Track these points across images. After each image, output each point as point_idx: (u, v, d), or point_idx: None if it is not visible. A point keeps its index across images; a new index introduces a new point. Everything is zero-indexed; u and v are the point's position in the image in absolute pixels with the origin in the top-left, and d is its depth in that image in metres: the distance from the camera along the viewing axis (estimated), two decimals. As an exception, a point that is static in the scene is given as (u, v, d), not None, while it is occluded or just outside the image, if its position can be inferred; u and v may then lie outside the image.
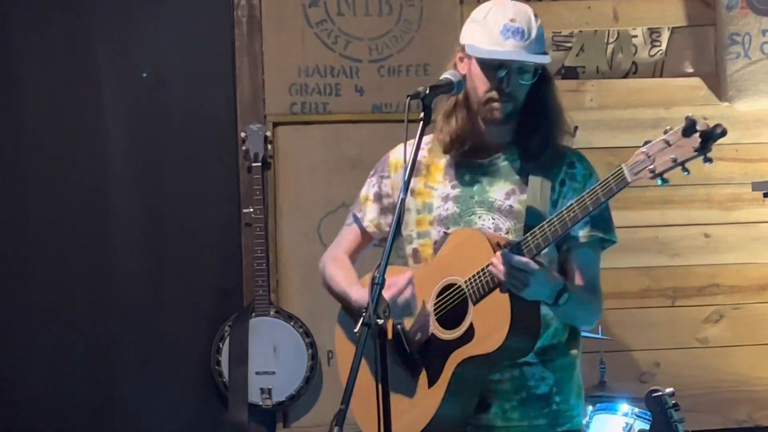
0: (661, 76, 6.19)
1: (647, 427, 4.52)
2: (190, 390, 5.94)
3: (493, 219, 3.34)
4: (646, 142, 2.96)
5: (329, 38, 6.00)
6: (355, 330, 3.00)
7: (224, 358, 5.77)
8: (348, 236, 3.63)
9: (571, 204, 3.11)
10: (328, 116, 5.99)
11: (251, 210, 5.78)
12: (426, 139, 3.42)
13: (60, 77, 5.92)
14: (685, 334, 6.08)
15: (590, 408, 5.03)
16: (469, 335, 3.22)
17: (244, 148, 5.84)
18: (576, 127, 5.96)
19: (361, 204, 3.59)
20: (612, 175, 3.01)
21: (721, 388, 6.06)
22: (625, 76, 6.19)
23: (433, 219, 3.41)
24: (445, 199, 3.41)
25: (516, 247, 3.17)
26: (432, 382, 3.28)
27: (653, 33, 6.19)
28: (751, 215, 6.06)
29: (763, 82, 5.84)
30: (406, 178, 3.10)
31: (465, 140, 3.40)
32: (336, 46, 6.00)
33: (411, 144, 3.16)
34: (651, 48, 6.19)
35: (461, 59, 3.40)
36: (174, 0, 5.99)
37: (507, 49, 3.30)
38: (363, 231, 3.58)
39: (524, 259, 3.08)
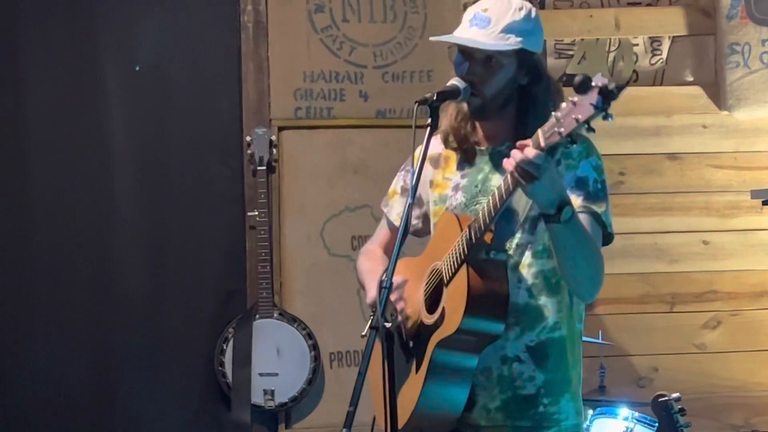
0: (661, 85, 6.19)
1: (647, 431, 4.52)
2: (193, 391, 5.93)
3: None
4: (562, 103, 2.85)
5: (334, 44, 6.00)
6: (363, 333, 3.00)
7: (228, 360, 5.77)
8: (380, 231, 3.63)
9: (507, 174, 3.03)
10: (333, 121, 5.99)
11: (256, 213, 5.78)
12: (440, 130, 3.39)
13: (66, 81, 5.91)
14: (683, 340, 6.08)
15: (590, 412, 5.03)
16: (442, 318, 3.17)
17: (249, 151, 5.83)
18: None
19: (389, 198, 3.58)
20: (531, 139, 2.92)
21: (719, 393, 6.06)
22: (626, 84, 6.18)
23: (446, 209, 3.39)
24: (456, 188, 3.38)
25: (474, 222, 3.11)
26: (418, 366, 3.24)
27: (654, 42, 6.19)
28: (749, 223, 6.06)
29: (762, 91, 5.84)
30: (413, 184, 3.10)
31: (460, 137, 3.36)
32: (341, 51, 6.00)
33: (419, 149, 3.15)
34: (652, 57, 6.19)
35: None
36: (181, 5, 5.98)
37: (466, 36, 3.26)
38: (391, 224, 3.56)
39: (531, 153, 2.91)
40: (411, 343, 3.30)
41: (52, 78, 5.90)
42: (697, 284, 6.09)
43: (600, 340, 5.31)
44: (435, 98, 3.18)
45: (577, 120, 2.78)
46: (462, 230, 3.14)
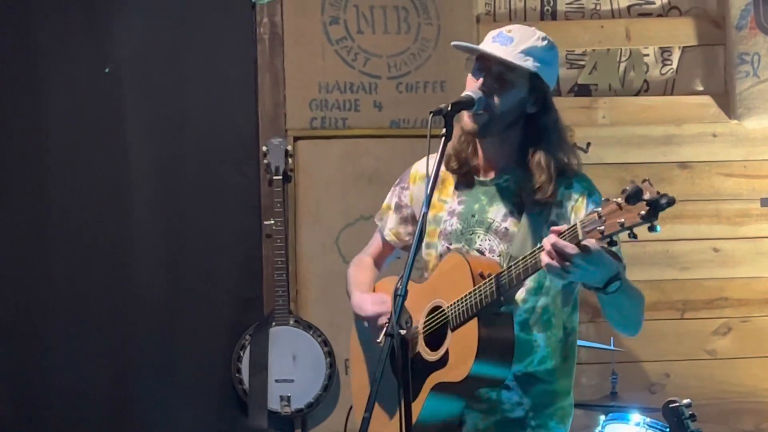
0: (671, 94, 6.19)
1: (658, 436, 4.52)
2: (211, 397, 5.94)
3: (489, 240, 3.33)
4: (605, 200, 2.86)
5: (349, 55, 6.01)
6: (378, 340, 3.01)
7: (245, 366, 5.78)
8: (373, 243, 3.68)
9: (535, 249, 3.05)
10: (347, 131, 6.01)
11: (272, 222, 5.79)
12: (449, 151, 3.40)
13: (85, 92, 5.93)
14: (694, 346, 6.07)
15: (602, 417, 5.03)
16: (444, 360, 3.23)
17: (265, 161, 5.85)
18: (589, 144, 6.01)
19: (383, 213, 3.62)
20: (567, 230, 2.93)
21: (729, 399, 6.05)
22: (637, 93, 6.19)
23: (440, 232, 3.41)
24: (452, 214, 3.41)
25: (495, 280, 3.14)
26: (413, 397, 3.25)
27: (664, 52, 6.20)
28: (759, 230, 6.05)
29: (772, 100, 5.85)
30: (428, 192, 3.11)
31: (462, 159, 3.38)
32: (355, 63, 6.01)
33: (433, 157, 3.17)
34: (662, 66, 6.19)
35: None
36: (198, 18, 5.99)
37: (486, 48, 3.29)
38: (383, 239, 3.61)
39: (562, 244, 2.91)
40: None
41: (70, 90, 5.92)
42: (707, 291, 6.09)
43: (612, 347, 5.31)
44: (450, 108, 3.20)
45: (621, 225, 2.80)
46: (474, 282, 3.17)
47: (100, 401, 5.90)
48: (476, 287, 3.17)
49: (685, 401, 3.84)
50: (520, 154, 3.32)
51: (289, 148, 5.88)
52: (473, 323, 3.16)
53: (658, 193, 2.76)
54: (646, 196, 2.75)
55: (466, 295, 3.18)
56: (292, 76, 5.97)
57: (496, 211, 3.33)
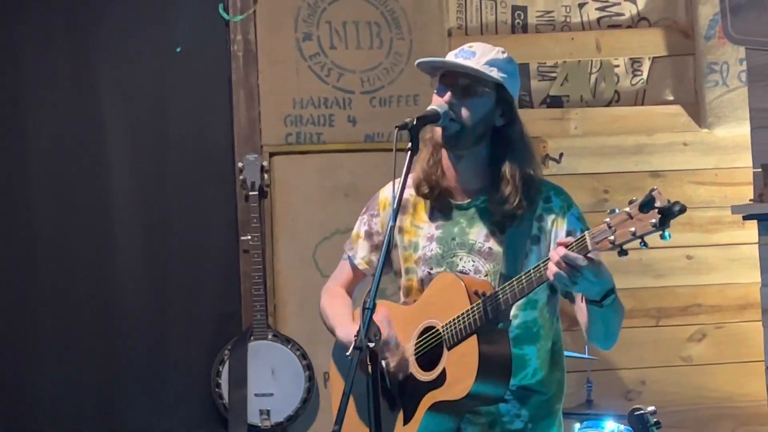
0: (642, 104, 6.19)
1: (633, 443, 4.49)
2: (191, 411, 5.92)
3: (473, 261, 3.30)
4: (611, 212, 2.87)
5: (322, 71, 5.99)
6: (347, 354, 2.98)
7: (224, 381, 5.75)
8: (342, 272, 3.62)
9: (539, 264, 3.06)
10: (323, 146, 5.99)
11: (249, 237, 5.77)
12: (413, 176, 3.38)
13: (66, 109, 5.92)
14: (670, 353, 6.06)
15: (577, 425, 5.01)
16: (441, 379, 3.19)
17: (241, 177, 5.83)
18: (561, 154, 6.00)
19: (353, 242, 3.57)
20: (576, 241, 2.93)
21: (705, 404, 6.04)
22: (608, 104, 6.18)
23: (418, 258, 3.38)
24: (430, 239, 3.37)
25: (491, 298, 3.13)
26: (407, 419, 3.26)
27: (635, 63, 6.19)
28: (731, 237, 6.04)
29: (741, 108, 5.83)
30: (394, 205, 3.08)
31: (432, 182, 3.35)
32: (329, 78, 6.00)
33: (399, 177, 3.15)
34: (633, 77, 6.19)
35: None
36: (173, 36, 5.98)
37: (451, 61, 3.29)
38: (355, 268, 3.56)
39: (573, 256, 2.91)
40: (395, 390, 3.30)
41: (53, 108, 5.92)
42: (682, 298, 6.08)
43: (587, 355, 5.28)
44: (415, 122, 3.18)
45: (633, 234, 2.81)
46: (471, 301, 3.15)
47: (84, 415, 5.88)
48: (474, 305, 3.14)
49: (650, 408, 3.81)
50: (492, 171, 3.30)
51: (265, 163, 5.86)
52: (472, 341, 3.14)
53: (669, 201, 2.77)
54: (658, 204, 2.77)
55: (463, 314, 3.16)
56: (266, 92, 5.96)
57: (477, 232, 3.31)
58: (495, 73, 3.25)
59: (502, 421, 3.30)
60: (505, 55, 3.32)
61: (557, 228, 3.26)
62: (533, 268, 3.06)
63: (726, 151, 6.07)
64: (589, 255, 2.90)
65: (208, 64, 6.01)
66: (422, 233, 3.39)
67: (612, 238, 2.84)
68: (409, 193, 3.40)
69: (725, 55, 6.04)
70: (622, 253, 2.86)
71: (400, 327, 3.29)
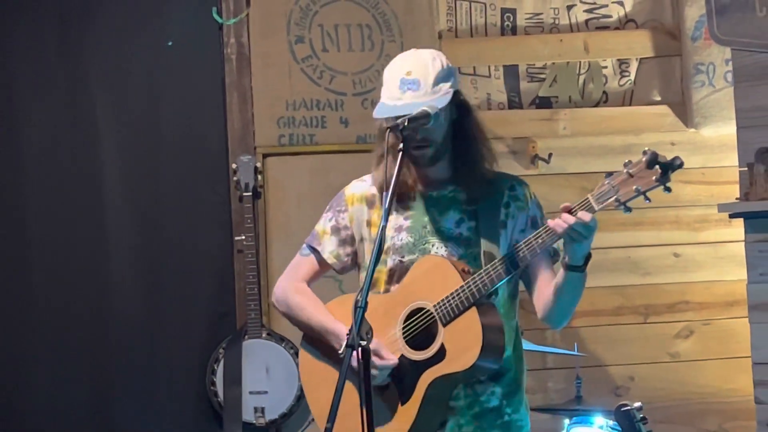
0: (630, 105, 6.20)
1: (622, 438, 4.50)
2: (186, 409, 5.92)
3: (446, 247, 3.38)
4: (608, 174, 3.04)
5: (315, 73, 6.00)
6: (340, 352, 3.00)
7: (219, 379, 5.76)
8: (305, 266, 3.62)
9: (539, 232, 3.18)
10: (315, 147, 6.00)
11: (243, 237, 5.78)
12: (376, 174, 3.48)
13: (59, 112, 5.92)
14: (657, 349, 6.07)
15: (567, 421, 5.01)
16: (440, 355, 3.25)
17: (235, 178, 5.84)
18: (551, 154, 6.01)
19: (318, 238, 3.60)
20: (579, 203, 3.07)
21: (693, 400, 6.05)
22: (596, 104, 6.19)
23: (388, 248, 3.41)
24: (399, 229, 3.43)
25: (486, 272, 3.23)
26: (405, 400, 3.30)
27: (622, 64, 6.20)
28: (718, 235, 6.05)
29: (727, 108, 5.83)
30: (386, 206, 3.11)
31: (404, 182, 3.40)
32: (321, 80, 6.00)
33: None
34: (620, 78, 6.20)
35: None
36: (167, 39, 5.98)
37: (406, 102, 3.31)
38: (322, 262, 3.58)
39: (587, 216, 3.07)
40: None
41: (45, 110, 5.91)
42: (669, 295, 6.09)
43: (576, 352, 5.29)
44: (407, 124, 3.22)
45: (638, 190, 2.98)
46: (462, 277, 3.24)
47: (79, 415, 5.87)
48: (470, 279, 3.23)
49: (636, 404, 3.82)
50: (456, 161, 3.42)
51: (259, 165, 5.87)
52: (472, 313, 3.22)
53: (665, 157, 2.96)
54: (661, 159, 2.96)
55: (458, 290, 3.23)
56: (259, 94, 5.96)
57: (449, 219, 3.40)
58: (444, 89, 3.33)
59: (480, 401, 3.37)
60: (438, 62, 3.36)
61: (522, 213, 3.39)
62: (533, 236, 3.19)
63: (713, 151, 6.08)
64: (595, 210, 3.05)
65: (201, 66, 6.01)
66: (390, 225, 3.38)
67: (617, 196, 3.00)
68: (372, 188, 3.52)
69: (711, 56, 6.05)
70: (627, 209, 3.01)
71: (379, 315, 3.32)
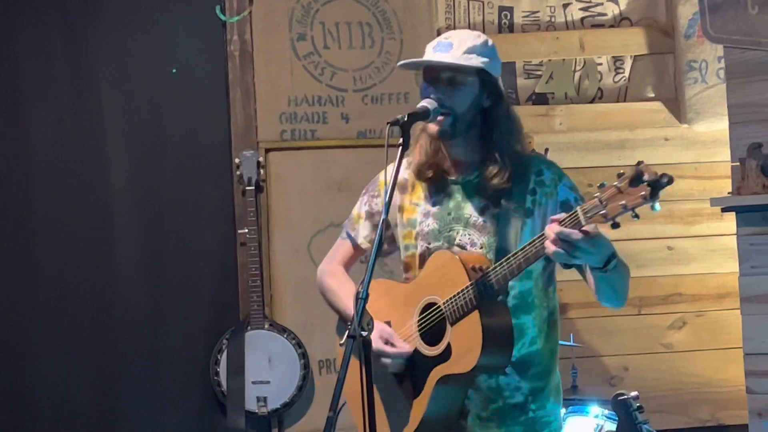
0: (624, 101, 6.22)
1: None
2: (190, 399, 5.93)
3: (469, 235, 3.31)
4: (600, 185, 2.89)
5: (316, 70, 6.02)
6: (341, 342, 3.01)
7: (222, 369, 5.77)
8: (342, 250, 3.63)
9: (534, 240, 3.07)
10: (316, 142, 6.01)
11: (246, 230, 5.79)
12: (414, 161, 3.41)
13: (66, 109, 5.92)
14: (651, 340, 6.09)
15: (563, 411, 5.03)
16: (447, 354, 3.21)
17: (238, 172, 5.85)
18: (547, 149, 6.01)
19: (354, 222, 3.59)
20: (568, 216, 2.95)
21: (686, 389, 6.07)
22: (592, 101, 6.21)
23: (417, 234, 3.40)
24: (426, 215, 3.39)
25: (489, 275, 3.14)
26: (416, 393, 3.28)
27: (617, 61, 6.22)
28: (710, 229, 6.07)
29: (720, 105, 5.84)
30: (386, 200, 3.10)
31: (433, 163, 3.37)
32: (322, 77, 6.02)
33: (392, 167, 3.16)
34: (615, 75, 6.21)
35: None
36: (172, 37, 6.00)
37: (429, 58, 3.30)
38: (357, 247, 3.58)
39: (568, 231, 2.92)
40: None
41: (51, 107, 5.92)
42: (663, 288, 6.11)
43: (572, 343, 5.32)
44: (406, 119, 3.19)
45: (624, 207, 2.81)
46: (470, 277, 3.17)
47: (85, 405, 5.88)
48: (474, 280, 3.16)
49: (633, 393, 3.83)
50: (483, 148, 3.33)
51: (261, 159, 5.88)
52: (475, 316, 3.15)
53: (656, 173, 2.79)
54: (647, 177, 2.79)
55: (463, 289, 3.17)
56: (262, 90, 5.98)
57: (472, 207, 3.33)
58: (474, 60, 3.27)
59: (503, 396, 3.31)
60: (482, 39, 3.33)
61: (550, 199, 3.27)
62: (529, 243, 3.07)
63: (705, 146, 6.10)
64: (583, 228, 2.90)
65: (205, 63, 6.02)
66: (419, 210, 3.41)
67: (604, 212, 2.85)
68: (407, 173, 3.42)
69: (704, 53, 6.06)
70: (615, 225, 2.86)
71: (400, 304, 3.32)
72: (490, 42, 3.35)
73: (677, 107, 6.13)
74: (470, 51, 3.28)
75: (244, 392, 5.72)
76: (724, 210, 5.38)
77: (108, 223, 5.92)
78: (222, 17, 5.97)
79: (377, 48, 6.05)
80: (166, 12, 6.01)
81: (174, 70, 5.97)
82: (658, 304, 6.10)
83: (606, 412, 4.85)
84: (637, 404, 3.80)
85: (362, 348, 2.95)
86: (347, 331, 2.97)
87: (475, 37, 3.32)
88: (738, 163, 5.24)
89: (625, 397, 3.82)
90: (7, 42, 5.90)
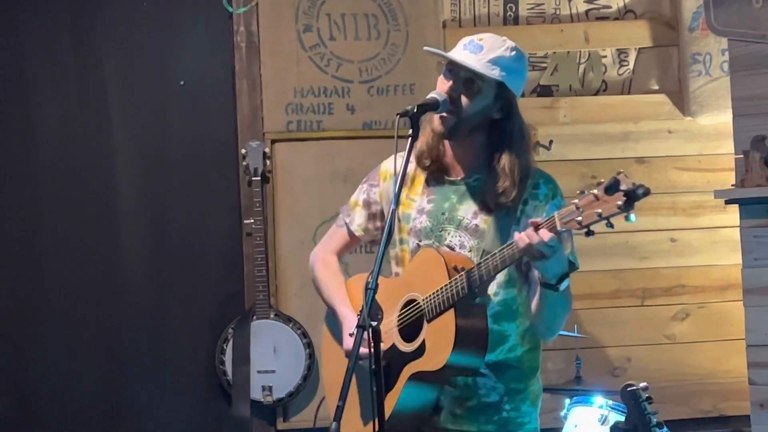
0: (629, 93, 6.20)
1: (621, 418, 4.50)
2: (196, 388, 5.92)
3: (460, 236, 3.29)
4: (580, 192, 2.87)
5: (322, 61, 5.99)
6: (350, 332, 2.98)
7: (228, 359, 5.77)
8: (337, 237, 3.61)
9: (503, 246, 3.07)
10: (322, 133, 5.99)
11: (251, 221, 5.78)
12: (417, 148, 3.37)
13: (72, 100, 5.90)
14: (654, 332, 6.08)
15: (567, 401, 5.02)
16: (421, 350, 3.20)
17: (244, 163, 5.84)
18: (551, 141, 6.01)
19: (350, 209, 3.56)
20: (546, 221, 2.95)
21: (688, 380, 6.07)
22: (596, 93, 6.19)
23: (410, 229, 3.38)
24: (420, 212, 3.38)
25: (468, 273, 3.13)
26: (389, 387, 3.25)
27: (621, 53, 6.20)
28: (713, 221, 6.06)
29: (723, 97, 5.83)
30: (396, 190, 3.08)
31: (433, 156, 3.35)
32: (328, 68, 6.00)
33: (401, 156, 3.14)
34: (619, 67, 6.19)
35: None
36: (179, 28, 5.98)
37: (456, 54, 3.26)
38: (351, 234, 3.56)
39: (547, 236, 2.94)
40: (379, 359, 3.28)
41: (60, 99, 5.89)
42: (666, 279, 6.10)
43: (576, 334, 5.30)
44: (416, 110, 3.17)
45: (599, 215, 2.81)
46: (450, 275, 3.15)
47: (92, 393, 5.87)
48: (452, 280, 3.14)
49: (642, 384, 3.81)
50: (487, 155, 3.30)
51: (267, 150, 5.87)
52: (450, 314, 3.13)
53: (634, 184, 2.76)
54: (623, 186, 2.76)
55: (442, 288, 3.16)
56: (268, 81, 5.96)
57: (466, 209, 3.31)
58: (496, 73, 3.22)
59: (478, 394, 3.30)
60: (513, 53, 3.28)
61: (537, 213, 3.23)
62: (506, 246, 3.06)
63: (709, 138, 6.08)
64: (558, 229, 2.91)
65: (212, 54, 6.00)
66: (415, 206, 3.39)
67: (579, 218, 2.85)
68: (411, 166, 3.37)
69: (708, 46, 6.04)
70: (589, 233, 2.86)
71: (385, 298, 3.29)
72: (523, 58, 3.31)
73: (681, 100, 6.11)
74: (496, 61, 3.23)
75: (249, 381, 5.72)
76: (727, 202, 5.38)
77: (114, 213, 5.91)
78: (229, 8, 5.95)
79: (383, 39, 6.03)
80: (173, 4, 5.98)
81: (182, 82, 5.94)
82: (661, 295, 6.09)
83: (610, 402, 4.85)
84: (646, 395, 3.79)
85: (372, 338, 2.94)
86: (357, 320, 2.97)
87: (507, 49, 3.27)
88: (741, 156, 5.24)
89: (635, 387, 3.80)
90: (14, 39, 5.88)
